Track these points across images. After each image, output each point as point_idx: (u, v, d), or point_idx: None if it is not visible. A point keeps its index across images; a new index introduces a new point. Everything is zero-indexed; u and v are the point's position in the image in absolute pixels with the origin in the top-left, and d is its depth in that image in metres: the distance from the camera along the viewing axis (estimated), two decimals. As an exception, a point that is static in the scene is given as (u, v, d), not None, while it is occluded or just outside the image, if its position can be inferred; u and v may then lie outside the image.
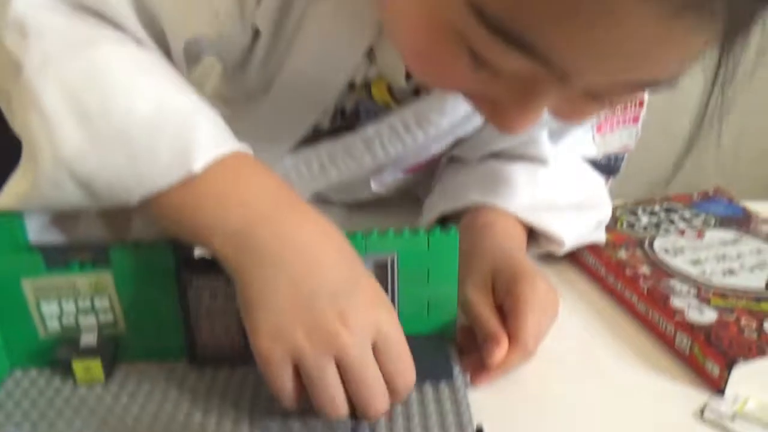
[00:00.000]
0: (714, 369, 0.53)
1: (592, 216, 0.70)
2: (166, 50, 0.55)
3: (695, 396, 0.53)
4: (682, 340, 0.57)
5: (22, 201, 0.48)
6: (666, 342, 0.59)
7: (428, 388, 0.52)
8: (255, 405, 0.51)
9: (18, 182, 0.49)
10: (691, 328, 0.56)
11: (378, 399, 0.44)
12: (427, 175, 0.77)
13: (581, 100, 0.44)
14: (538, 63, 0.37)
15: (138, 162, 0.45)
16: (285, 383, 0.44)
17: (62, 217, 0.54)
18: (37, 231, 0.53)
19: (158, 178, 0.45)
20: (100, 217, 0.55)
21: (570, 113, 0.47)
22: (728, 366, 0.52)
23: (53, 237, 0.54)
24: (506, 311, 0.55)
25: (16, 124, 0.49)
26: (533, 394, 0.54)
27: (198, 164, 0.45)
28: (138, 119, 0.45)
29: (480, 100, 0.48)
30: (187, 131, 0.45)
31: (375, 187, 0.76)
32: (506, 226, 0.65)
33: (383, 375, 0.44)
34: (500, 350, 0.51)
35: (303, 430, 0.47)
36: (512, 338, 0.52)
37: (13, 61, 0.47)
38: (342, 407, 0.44)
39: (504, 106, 0.44)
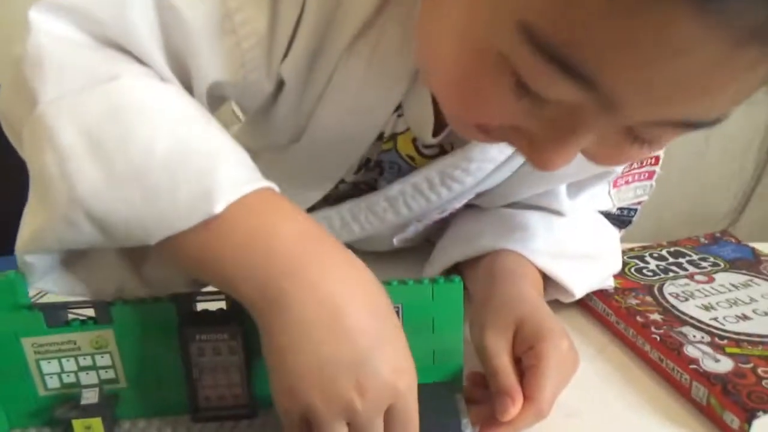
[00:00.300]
0: (734, 422, 0.51)
1: (605, 268, 0.69)
2: (189, 90, 0.53)
3: (715, 449, 0.52)
4: (699, 390, 0.55)
5: (36, 239, 0.46)
6: (682, 392, 0.57)
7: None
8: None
9: (32, 219, 0.46)
10: (707, 378, 0.55)
11: None
12: (440, 221, 0.77)
13: (621, 140, 0.42)
14: (588, 90, 0.36)
15: (157, 202, 0.42)
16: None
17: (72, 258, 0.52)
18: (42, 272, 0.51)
19: (177, 221, 0.42)
20: (113, 253, 0.52)
21: (608, 154, 0.45)
22: (748, 419, 0.50)
23: (60, 282, 0.53)
24: (525, 367, 0.53)
25: (27, 156, 0.47)
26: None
27: (219, 206, 0.42)
28: (158, 157, 0.42)
29: (516, 136, 0.46)
30: (208, 170, 0.43)
31: (397, 242, 0.75)
32: (526, 273, 0.63)
33: None
34: (514, 408, 0.50)
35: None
36: (527, 397, 0.50)
37: (29, 91, 0.45)
38: None
39: (541, 141, 0.43)
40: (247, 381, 0.54)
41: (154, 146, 0.43)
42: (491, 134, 0.47)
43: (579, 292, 0.65)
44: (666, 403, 0.57)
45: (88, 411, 0.52)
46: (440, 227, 0.77)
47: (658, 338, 0.60)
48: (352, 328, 0.42)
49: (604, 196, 0.72)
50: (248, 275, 0.43)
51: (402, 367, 0.43)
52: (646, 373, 0.60)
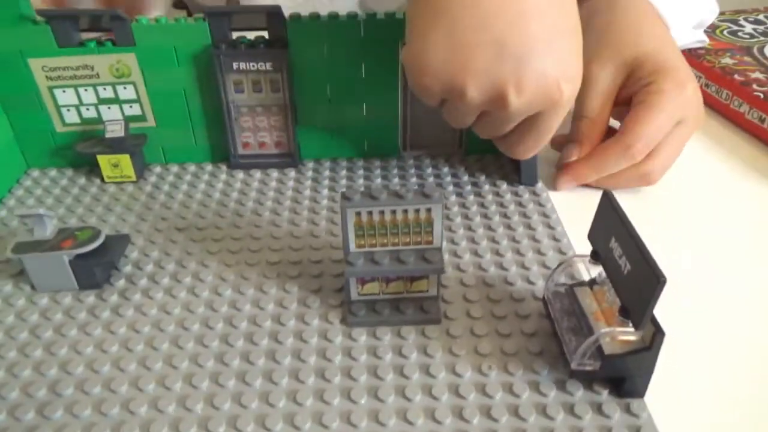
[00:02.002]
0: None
1: (702, 6, 0.58)
2: None
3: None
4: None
5: None
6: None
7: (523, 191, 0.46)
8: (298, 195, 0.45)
9: None
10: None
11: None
12: None
13: None
14: None
15: None
16: (428, 103, 0.39)
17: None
18: None
19: None
20: None
21: None
22: None
23: None
24: (634, 104, 0.45)
25: None
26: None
27: None
28: None
29: None
30: None
31: None
32: (641, 3, 0.50)
33: (512, 136, 0.40)
34: (575, 152, 0.46)
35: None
36: (620, 131, 0.44)
37: None
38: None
39: None
40: (293, 126, 0.48)
41: None
42: None
43: (673, 24, 0.53)
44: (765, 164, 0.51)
45: (114, 146, 0.46)
46: None
47: (762, 96, 0.52)
48: (526, 11, 0.34)
49: None
50: None
51: (570, 75, 0.36)
52: (742, 137, 0.54)
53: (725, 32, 0.64)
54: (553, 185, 0.47)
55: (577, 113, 0.47)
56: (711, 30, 0.63)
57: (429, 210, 0.32)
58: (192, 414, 0.29)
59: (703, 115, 0.46)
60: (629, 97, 0.46)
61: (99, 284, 0.37)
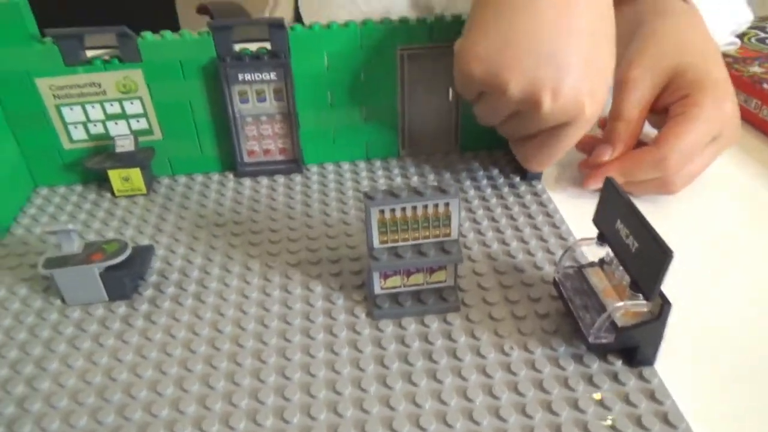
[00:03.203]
0: None
1: (735, 14, 0.59)
2: None
3: None
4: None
5: None
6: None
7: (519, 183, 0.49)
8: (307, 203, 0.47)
9: None
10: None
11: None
12: None
13: None
14: None
15: None
16: (466, 94, 0.43)
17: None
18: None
19: None
20: None
21: None
22: None
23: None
24: (670, 117, 0.46)
25: None
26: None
27: None
28: None
29: None
30: None
31: None
32: (689, 13, 0.50)
33: (533, 145, 0.43)
34: (608, 152, 0.47)
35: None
36: (655, 141, 0.45)
37: None
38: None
39: None
40: (296, 132, 0.50)
41: None
42: None
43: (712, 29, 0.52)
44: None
45: (124, 160, 0.48)
46: None
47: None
48: (577, 30, 0.38)
49: None
50: None
51: (598, 96, 0.39)
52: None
53: (753, 39, 0.66)
54: (582, 183, 0.48)
55: (615, 115, 0.47)
56: (739, 37, 0.65)
57: (447, 204, 0.34)
58: (238, 409, 0.31)
59: (739, 132, 0.46)
60: (666, 106, 0.46)
61: (128, 295, 0.38)
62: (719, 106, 0.44)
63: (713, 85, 0.44)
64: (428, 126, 0.52)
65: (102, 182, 0.50)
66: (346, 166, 0.52)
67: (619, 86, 0.47)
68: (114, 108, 0.47)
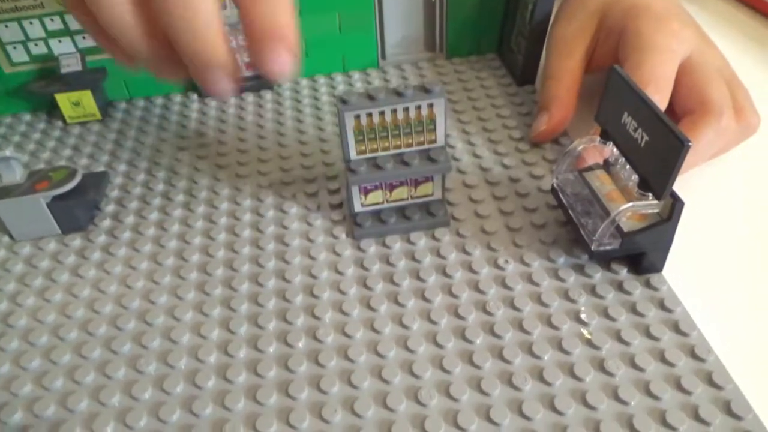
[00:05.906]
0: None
1: None
2: None
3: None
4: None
5: None
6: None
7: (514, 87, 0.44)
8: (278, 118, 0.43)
9: None
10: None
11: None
12: None
13: None
14: None
15: None
16: None
17: None
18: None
19: None
20: None
21: None
22: None
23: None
24: (621, 58, 0.38)
25: None
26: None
27: None
28: None
29: None
30: None
31: None
32: None
33: None
34: (544, 120, 0.39)
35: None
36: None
37: None
38: None
39: None
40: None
41: None
42: None
43: None
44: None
45: (72, 82, 0.43)
46: None
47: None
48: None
49: None
50: None
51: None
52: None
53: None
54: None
55: (545, 75, 0.41)
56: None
57: (431, 105, 0.30)
58: (208, 341, 0.28)
59: (706, 40, 0.39)
60: (612, 53, 0.39)
61: (83, 226, 0.34)
62: (660, 24, 0.37)
63: (645, 8, 0.38)
64: (410, 31, 0.47)
65: (52, 109, 0.45)
66: (321, 80, 0.48)
67: (549, 46, 0.41)
68: (55, 23, 0.42)
